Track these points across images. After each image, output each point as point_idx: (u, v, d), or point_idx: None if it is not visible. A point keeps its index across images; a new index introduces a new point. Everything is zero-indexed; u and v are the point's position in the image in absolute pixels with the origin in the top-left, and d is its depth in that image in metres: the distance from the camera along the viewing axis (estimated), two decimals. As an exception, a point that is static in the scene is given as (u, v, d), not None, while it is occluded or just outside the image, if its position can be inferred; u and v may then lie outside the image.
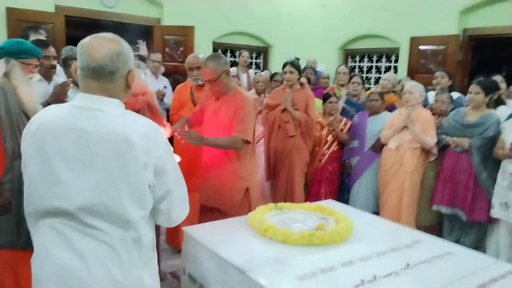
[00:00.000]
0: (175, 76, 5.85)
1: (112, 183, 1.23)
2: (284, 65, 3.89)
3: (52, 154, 1.25)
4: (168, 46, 6.36)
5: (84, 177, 1.23)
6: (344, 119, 4.25)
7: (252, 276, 1.63)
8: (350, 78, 4.85)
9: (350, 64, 7.61)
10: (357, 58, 7.59)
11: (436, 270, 1.80)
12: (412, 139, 3.76)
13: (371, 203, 4.06)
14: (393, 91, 4.98)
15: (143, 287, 1.32)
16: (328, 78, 5.84)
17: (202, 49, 6.29)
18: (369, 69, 7.48)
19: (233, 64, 7.24)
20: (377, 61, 7.35)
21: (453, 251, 2.01)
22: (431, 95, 4.50)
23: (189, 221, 3.17)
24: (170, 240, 3.53)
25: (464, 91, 3.87)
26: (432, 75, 4.68)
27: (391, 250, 1.96)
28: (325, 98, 4.23)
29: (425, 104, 4.35)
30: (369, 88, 6.71)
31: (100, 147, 1.23)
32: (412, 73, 6.07)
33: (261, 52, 7.88)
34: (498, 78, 4.12)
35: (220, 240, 1.98)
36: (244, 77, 6.03)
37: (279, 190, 3.87)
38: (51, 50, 2.96)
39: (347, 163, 4.18)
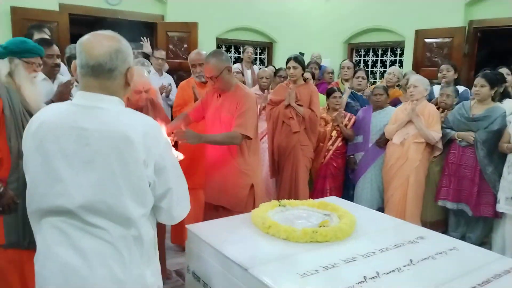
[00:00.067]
0: (180, 73, 5.87)
1: (113, 181, 1.23)
2: (288, 61, 3.86)
3: (52, 152, 1.25)
4: (172, 43, 6.36)
5: (84, 175, 1.24)
6: (348, 114, 4.23)
7: (254, 274, 1.63)
8: (355, 73, 4.82)
9: (355, 58, 7.56)
10: (362, 52, 7.55)
11: (439, 266, 1.79)
12: (416, 134, 3.73)
13: (376, 199, 4.05)
14: (398, 85, 4.94)
15: (145, 284, 1.33)
16: (332, 73, 5.81)
17: (206, 46, 6.29)
18: (374, 63, 7.44)
19: (237, 60, 7.23)
20: (382, 55, 7.30)
21: (457, 247, 1.99)
22: (437, 89, 4.46)
23: (194, 219, 3.21)
24: (175, 238, 3.54)
25: (470, 84, 3.84)
26: (437, 69, 4.64)
27: (394, 247, 1.95)
28: (329, 93, 4.21)
29: (430, 98, 4.32)
30: (374, 83, 6.67)
31: (100, 145, 1.23)
32: (417, 67, 6.03)
33: (265, 48, 7.86)
34: (504, 70, 4.07)
35: (223, 238, 1.98)
36: (248, 73, 6.02)
37: (283, 187, 3.87)
38: (55, 49, 2.97)
39: (352, 158, 4.17)
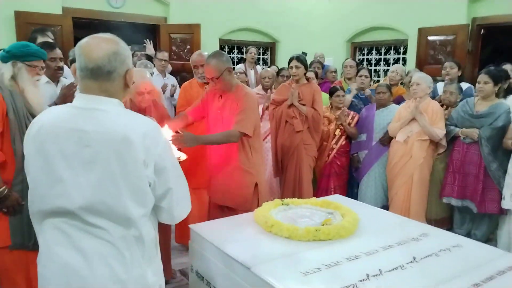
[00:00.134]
0: (183, 74, 5.89)
1: (113, 182, 1.24)
2: (290, 60, 3.86)
3: (53, 154, 1.27)
4: (174, 45, 6.39)
5: (84, 176, 1.25)
6: (352, 112, 4.22)
7: (257, 272, 1.63)
8: (358, 72, 4.81)
9: (358, 57, 7.54)
10: (365, 51, 7.53)
11: (442, 263, 1.78)
12: (420, 131, 3.72)
13: (380, 197, 4.04)
14: (401, 83, 4.93)
15: (146, 284, 1.34)
16: (335, 72, 5.81)
17: (208, 47, 6.30)
18: (378, 62, 7.41)
19: (241, 60, 7.24)
20: (385, 54, 7.28)
21: (461, 244, 1.98)
22: (440, 86, 4.44)
23: (198, 218, 3.22)
24: (179, 238, 3.55)
25: (474, 81, 3.82)
26: (441, 66, 4.62)
27: (397, 244, 1.94)
28: (332, 92, 4.21)
29: (434, 95, 4.30)
30: (378, 81, 6.65)
31: (100, 146, 1.24)
32: (421, 65, 6.00)
33: (268, 48, 7.86)
34: (508, 66, 4.05)
35: (226, 237, 1.99)
36: (251, 73, 6.03)
37: (287, 186, 3.87)
38: (58, 52, 2.99)
39: (355, 157, 4.16)
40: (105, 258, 1.26)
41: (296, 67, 3.79)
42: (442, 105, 3.93)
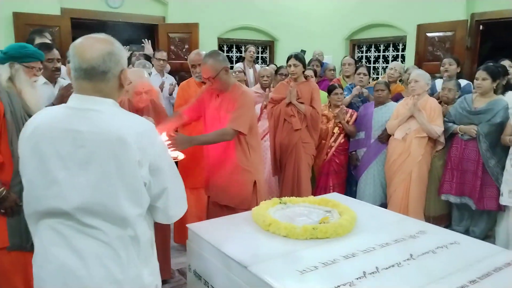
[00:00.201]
0: (181, 73, 5.88)
1: (108, 182, 1.25)
2: (288, 58, 3.86)
3: (48, 155, 1.27)
4: (173, 44, 6.39)
5: (80, 177, 1.25)
6: (350, 110, 4.22)
7: (254, 271, 1.64)
8: (356, 69, 4.81)
9: (357, 54, 7.54)
10: (364, 48, 7.52)
11: (440, 260, 1.78)
12: (418, 129, 3.72)
13: (379, 195, 4.04)
14: (400, 80, 4.92)
15: (142, 284, 1.34)
16: (334, 70, 5.80)
17: (207, 46, 6.29)
18: (376, 59, 7.41)
19: (239, 59, 7.24)
20: (384, 51, 7.27)
21: (458, 241, 1.99)
22: (439, 83, 4.44)
23: (196, 218, 3.22)
24: (178, 238, 3.56)
25: (473, 78, 3.81)
26: (440, 63, 4.61)
27: (394, 242, 1.95)
28: (330, 90, 4.20)
29: (432, 92, 4.30)
30: (377, 79, 6.64)
31: (95, 147, 1.25)
32: (419, 61, 6.00)
33: (267, 46, 7.85)
34: (506, 63, 4.04)
35: (224, 236, 1.99)
36: (250, 72, 6.03)
37: (286, 185, 3.87)
38: (55, 53, 3.00)
39: (354, 155, 4.16)
40: (101, 258, 1.27)
41: (295, 65, 3.79)
42: (440, 102, 3.93)
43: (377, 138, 4.04)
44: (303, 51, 6.53)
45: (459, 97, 3.86)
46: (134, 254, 1.32)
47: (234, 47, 7.59)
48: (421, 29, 6.11)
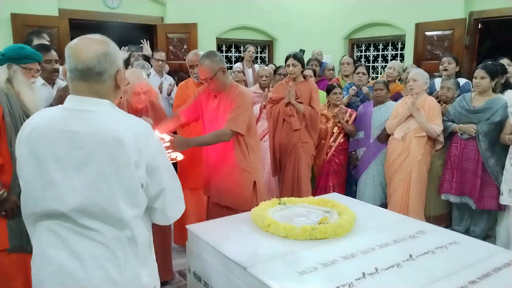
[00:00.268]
0: (180, 74, 5.88)
1: (105, 184, 1.25)
2: (287, 58, 3.85)
3: (45, 156, 1.27)
4: (172, 44, 6.38)
5: (77, 178, 1.25)
6: (349, 110, 4.22)
7: (253, 272, 1.64)
8: (355, 68, 4.81)
9: (356, 53, 7.54)
10: (363, 48, 7.52)
11: (439, 260, 1.78)
12: (417, 128, 3.72)
13: (379, 195, 4.03)
14: (399, 79, 4.92)
15: (141, 285, 1.34)
16: (333, 69, 5.80)
17: (206, 46, 6.29)
18: (375, 58, 7.40)
19: (238, 59, 7.23)
20: (383, 50, 7.27)
21: (458, 241, 1.99)
22: (438, 82, 4.43)
23: (196, 219, 3.22)
24: (178, 239, 3.55)
25: (472, 76, 3.81)
26: (439, 62, 4.61)
27: (394, 242, 1.95)
28: (329, 89, 4.20)
29: (431, 91, 4.30)
30: (376, 78, 6.64)
31: (91, 148, 1.24)
32: (418, 60, 5.99)
33: (266, 46, 7.85)
34: (505, 61, 4.04)
35: (223, 237, 1.99)
36: (249, 72, 6.02)
37: (286, 185, 3.86)
38: (53, 54, 2.99)
39: (353, 154, 4.16)
40: (99, 259, 1.27)
41: (293, 65, 3.78)
42: (439, 101, 3.92)
43: (377, 138, 4.04)
44: (302, 51, 6.53)
45: (458, 96, 3.85)
46: (132, 255, 1.31)
47: (233, 47, 7.59)
48: (420, 28, 6.11)
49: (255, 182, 2.79)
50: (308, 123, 3.80)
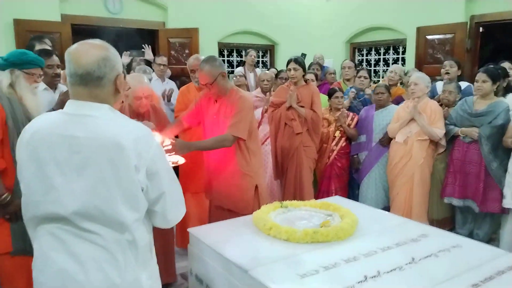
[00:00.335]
0: (182, 78, 5.90)
1: (105, 187, 1.25)
2: (288, 62, 3.86)
3: (45, 161, 1.27)
4: (173, 49, 6.41)
5: (77, 182, 1.25)
6: (351, 114, 4.22)
7: (254, 275, 1.63)
8: (357, 72, 4.81)
9: (358, 57, 7.55)
10: (364, 52, 7.53)
11: (441, 263, 1.78)
12: (419, 132, 3.71)
13: (381, 198, 4.02)
14: (401, 83, 4.93)
15: None
16: (334, 73, 5.81)
17: (207, 50, 6.32)
18: (377, 62, 7.42)
19: (240, 63, 7.26)
20: (384, 54, 7.28)
21: (461, 244, 1.98)
22: (440, 86, 4.43)
23: (199, 222, 3.22)
24: (180, 242, 3.55)
25: (474, 80, 3.81)
26: (440, 65, 4.61)
27: (396, 245, 1.94)
28: (331, 93, 4.20)
29: (433, 94, 4.30)
30: (377, 81, 6.65)
31: (91, 152, 1.25)
32: (420, 64, 6.00)
33: (267, 50, 7.87)
34: (506, 64, 4.03)
35: (225, 240, 1.99)
36: (251, 76, 6.03)
37: (288, 189, 3.86)
38: (55, 59, 3.01)
39: (355, 158, 4.15)
40: (99, 262, 1.27)
41: (294, 69, 3.79)
42: (441, 105, 3.92)
43: (379, 142, 4.03)
44: (304, 55, 6.56)
45: (459, 99, 3.85)
46: (132, 258, 1.31)
47: (235, 51, 7.61)
48: (421, 31, 6.12)
49: (256, 186, 2.79)
50: (310, 127, 3.80)
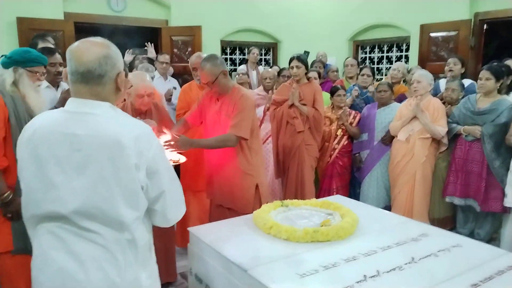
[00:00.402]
0: (185, 76, 5.90)
1: (105, 186, 1.25)
2: (291, 60, 3.85)
3: (46, 159, 1.28)
4: (176, 47, 6.40)
5: (77, 180, 1.26)
6: (353, 112, 4.20)
7: (254, 275, 1.63)
8: (360, 70, 4.80)
9: (361, 55, 7.52)
10: (368, 49, 7.50)
11: (441, 263, 1.77)
12: (422, 130, 3.70)
13: (383, 197, 4.01)
14: (404, 81, 4.90)
15: (140, 287, 1.34)
16: (337, 71, 5.79)
17: (210, 48, 6.31)
18: (380, 60, 7.38)
19: (243, 61, 7.25)
20: (387, 51, 7.24)
21: (461, 244, 1.97)
22: (443, 83, 4.41)
23: (199, 221, 3.22)
24: (180, 241, 3.56)
25: (477, 77, 3.80)
26: (444, 63, 4.58)
27: (396, 245, 1.93)
28: (333, 91, 4.19)
29: (436, 92, 4.28)
30: (381, 79, 6.62)
31: (92, 150, 1.25)
32: (423, 62, 5.97)
33: (270, 48, 7.85)
34: (510, 62, 4.00)
35: (225, 239, 1.99)
36: (254, 74, 6.02)
37: (289, 187, 3.86)
38: (57, 57, 3.03)
39: (357, 157, 4.14)
40: (99, 262, 1.27)
41: (297, 67, 3.78)
42: (444, 103, 3.90)
43: (381, 140, 4.02)
44: (307, 53, 6.53)
45: (462, 97, 3.83)
46: (132, 258, 1.32)
47: (237, 49, 7.60)
48: (425, 29, 6.09)
49: (257, 185, 2.79)
50: (311, 125, 3.79)
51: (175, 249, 3.16)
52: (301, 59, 3.82)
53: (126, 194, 1.27)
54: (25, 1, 5.33)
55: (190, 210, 3.34)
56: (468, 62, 5.28)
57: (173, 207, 1.41)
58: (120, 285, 1.29)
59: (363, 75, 4.65)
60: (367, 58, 7.50)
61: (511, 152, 3.33)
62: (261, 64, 7.43)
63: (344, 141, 4.14)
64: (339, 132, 4.13)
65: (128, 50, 5.25)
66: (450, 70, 4.33)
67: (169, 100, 4.65)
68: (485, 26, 5.85)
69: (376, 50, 7.38)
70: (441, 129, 3.66)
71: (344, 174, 4.16)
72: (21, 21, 5.25)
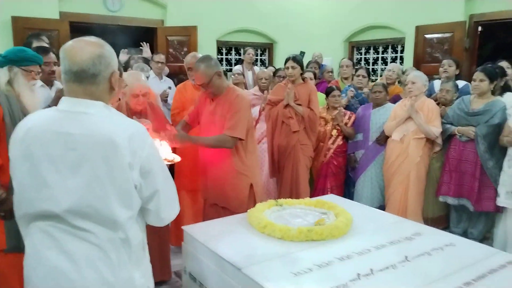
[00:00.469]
0: (180, 76, 5.88)
1: (99, 185, 1.25)
2: (286, 60, 3.86)
3: (39, 158, 1.27)
4: (172, 47, 6.40)
5: (71, 179, 1.25)
6: (348, 112, 4.22)
7: (248, 273, 1.64)
8: (356, 71, 4.81)
9: (356, 56, 7.55)
10: (363, 50, 7.53)
11: (435, 262, 1.78)
12: (416, 130, 3.72)
13: (377, 197, 4.03)
14: (399, 82, 4.93)
15: (134, 286, 1.34)
16: (332, 72, 5.81)
17: (206, 48, 6.32)
18: (375, 61, 7.42)
19: (238, 61, 7.25)
20: (383, 52, 7.28)
21: (454, 243, 1.99)
22: (437, 84, 4.44)
23: (193, 220, 3.21)
24: (174, 240, 3.55)
25: (472, 79, 3.82)
26: (438, 64, 4.61)
27: (390, 244, 1.95)
28: (328, 92, 4.20)
29: (430, 93, 4.30)
30: (376, 80, 6.64)
31: (85, 150, 1.25)
32: (418, 63, 6.00)
33: (266, 49, 7.87)
34: (504, 64, 4.03)
35: (219, 238, 2.00)
36: (249, 74, 6.03)
37: (284, 187, 3.86)
38: (52, 56, 3.02)
39: (352, 157, 4.16)
40: (92, 261, 1.27)
41: (292, 67, 3.79)
42: (438, 103, 3.92)
43: (375, 140, 4.04)
44: (302, 53, 6.55)
45: (457, 98, 3.86)
46: (125, 257, 1.31)
47: (233, 49, 7.61)
48: (420, 30, 6.12)
49: (252, 185, 2.78)
50: (306, 125, 3.80)
51: (169, 248, 3.16)
52: (297, 59, 3.83)
53: (120, 193, 1.27)
54: (20, 0, 5.31)
55: (184, 209, 3.34)
56: (462, 63, 5.31)
57: (167, 207, 1.41)
58: (114, 284, 1.29)
59: (358, 76, 4.67)
60: (363, 59, 7.53)
61: (504, 153, 3.36)
62: (256, 65, 7.43)
63: (339, 141, 4.16)
64: (334, 132, 4.15)
65: (123, 50, 5.24)
66: (445, 72, 4.36)
67: (165, 101, 4.64)
68: (479, 28, 5.88)
69: (372, 51, 7.41)
70: (435, 129, 3.69)
71: (338, 174, 4.18)
72: (16, 20, 5.23)
